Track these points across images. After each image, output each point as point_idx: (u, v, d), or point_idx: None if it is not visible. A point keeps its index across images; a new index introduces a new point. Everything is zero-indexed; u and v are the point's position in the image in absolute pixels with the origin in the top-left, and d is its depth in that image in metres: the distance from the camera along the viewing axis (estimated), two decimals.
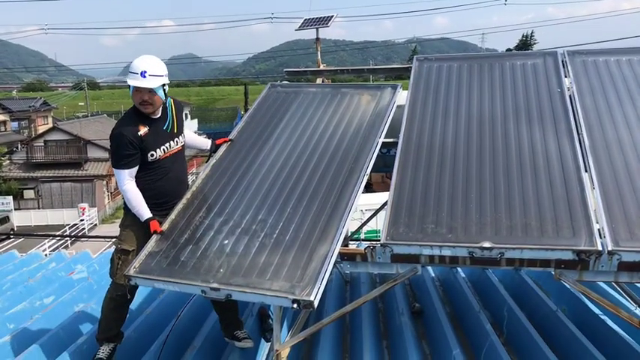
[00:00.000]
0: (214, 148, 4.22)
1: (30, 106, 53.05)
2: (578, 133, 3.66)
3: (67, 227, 31.21)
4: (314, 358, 3.58)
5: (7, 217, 32.84)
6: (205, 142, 4.27)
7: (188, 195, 3.73)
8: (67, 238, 27.29)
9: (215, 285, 2.97)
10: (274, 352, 3.10)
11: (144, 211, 3.53)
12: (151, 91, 3.52)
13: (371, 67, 6.67)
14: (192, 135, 4.16)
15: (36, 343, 3.83)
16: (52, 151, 39.62)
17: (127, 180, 3.54)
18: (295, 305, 2.80)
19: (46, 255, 7.05)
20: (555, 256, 2.92)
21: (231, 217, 3.48)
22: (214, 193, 3.74)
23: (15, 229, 32.70)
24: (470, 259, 3.01)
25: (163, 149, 3.65)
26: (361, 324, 3.99)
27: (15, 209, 35.16)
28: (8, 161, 39.40)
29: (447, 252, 3.05)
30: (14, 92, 73.33)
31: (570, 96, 4.05)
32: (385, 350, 3.91)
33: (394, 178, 3.58)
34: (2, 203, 33.86)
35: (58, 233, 27.25)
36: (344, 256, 3.43)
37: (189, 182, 3.93)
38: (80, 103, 74.28)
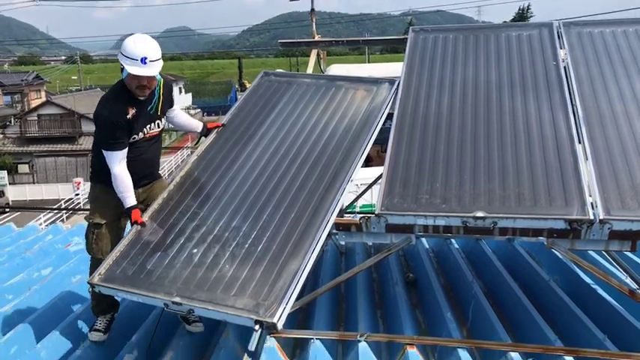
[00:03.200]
0: (205, 132, 4.19)
1: (22, 80, 52.55)
2: (572, 104, 3.68)
3: (62, 202, 31.20)
4: (310, 326, 3.63)
5: (2, 191, 32.85)
6: (197, 125, 4.22)
7: (164, 194, 3.65)
8: (63, 213, 27.31)
9: (177, 299, 2.93)
10: None
11: (129, 198, 3.48)
12: (150, 77, 3.43)
13: (366, 38, 6.64)
14: (184, 116, 4.12)
15: (35, 314, 3.87)
16: (45, 126, 39.45)
17: (119, 162, 3.46)
18: (257, 327, 2.75)
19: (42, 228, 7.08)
20: (548, 226, 2.97)
21: (205, 223, 3.40)
22: (191, 194, 3.65)
23: (10, 203, 32.70)
24: (463, 228, 3.06)
25: (144, 131, 3.58)
26: (356, 294, 4.04)
27: (9, 184, 35.13)
28: (2, 135, 39.20)
29: (440, 222, 3.09)
30: (6, 66, 72.58)
31: (565, 67, 4.06)
32: (380, 319, 3.97)
33: (389, 150, 3.60)
34: None
35: (54, 207, 27.27)
36: (339, 227, 3.46)
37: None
38: (73, 77, 73.62)
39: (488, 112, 3.76)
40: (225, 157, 3.92)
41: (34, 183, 37.54)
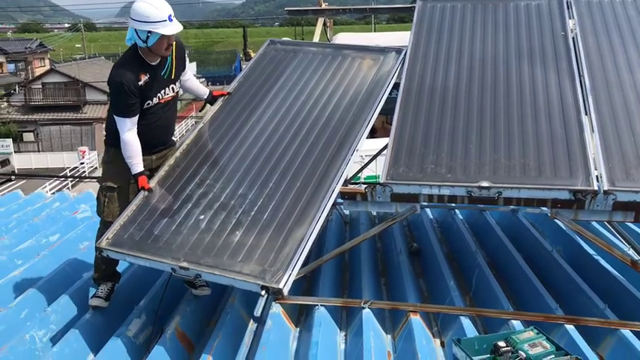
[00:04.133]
0: (210, 99, 4.19)
1: (26, 48, 52.23)
2: (579, 75, 3.66)
3: (67, 170, 31.28)
4: (314, 293, 3.69)
5: (8, 159, 32.93)
6: (204, 91, 4.20)
7: (171, 161, 3.67)
8: (68, 181, 27.43)
9: (185, 264, 2.97)
10: None
11: (137, 165, 3.48)
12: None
13: (373, 6, 6.57)
14: (195, 81, 4.10)
15: (44, 279, 3.94)
16: (50, 94, 39.26)
17: (129, 129, 3.46)
18: (264, 292, 2.79)
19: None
20: (552, 196, 2.99)
21: (211, 190, 3.43)
22: (198, 161, 3.66)
23: (16, 171, 32.82)
24: (468, 198, 3.08)
25: (158, 96, 3.57)
26: (360, 262, 4.09)
27: (15, 152, 35.19)
28: (6, 104, 39.14)
29: (445, 191, 3.11)
30: (9, 33, 72.10)
31: (574, 38, 4.03)
32: (383, 287, 4.02)
33: (395, 120, 3.60)
34: (2, 146, 33.89)
35: (61, 174, 27.38)
36: (344, 195, 3.49)
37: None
38: (77, 45, 73.22)
39: (495, 82, 3.74)
40: (231, 126, 3.92)
41: (39, 151, 37.56)
